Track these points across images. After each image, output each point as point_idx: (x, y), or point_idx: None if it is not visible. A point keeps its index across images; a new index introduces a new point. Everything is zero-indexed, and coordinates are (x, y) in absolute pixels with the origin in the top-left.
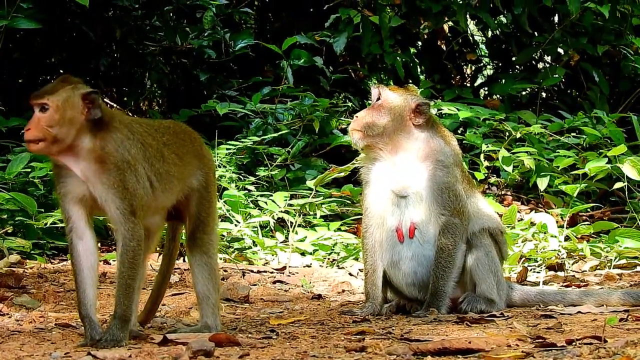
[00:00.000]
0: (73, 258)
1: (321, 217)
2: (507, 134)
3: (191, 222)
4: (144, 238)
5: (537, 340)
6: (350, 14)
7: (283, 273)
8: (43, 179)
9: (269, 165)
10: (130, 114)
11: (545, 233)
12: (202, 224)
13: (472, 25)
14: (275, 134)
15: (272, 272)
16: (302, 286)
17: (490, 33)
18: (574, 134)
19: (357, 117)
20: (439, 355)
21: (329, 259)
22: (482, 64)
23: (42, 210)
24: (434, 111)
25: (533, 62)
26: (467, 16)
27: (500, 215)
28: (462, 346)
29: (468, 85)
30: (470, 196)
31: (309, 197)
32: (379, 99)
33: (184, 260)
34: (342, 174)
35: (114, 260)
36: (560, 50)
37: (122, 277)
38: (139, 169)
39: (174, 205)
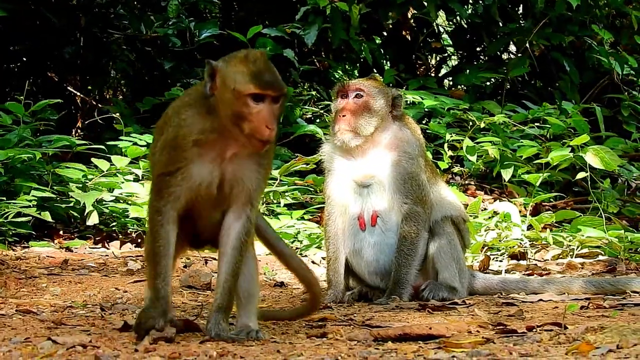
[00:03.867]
0: (164, 241)
1: (285, 205)
2: (471, 123)
3: None
4: None
5: (498, 327)
6: (320, 4)
7: None
8: (4, 162)
9: None
10: (94, 104)
11: (508, 222)
12: None
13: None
14: None
15: None
16: (264, 274)
17: (457, 22)
18: (538, 124)
19: (343, 116)
20: (399, 341)
21: (292, 247)
22: (446, 54)
23: (4, 198)
24: None
25: (498, 52)
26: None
27: (465, 206)
28: (422, 332)
29: (432, 75)
30: (433, 184)
31: (272, 185)
32: (360, 95)
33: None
34: (309, 167)
35: (77, 248)
36: (527, 41)
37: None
38: None
39: None
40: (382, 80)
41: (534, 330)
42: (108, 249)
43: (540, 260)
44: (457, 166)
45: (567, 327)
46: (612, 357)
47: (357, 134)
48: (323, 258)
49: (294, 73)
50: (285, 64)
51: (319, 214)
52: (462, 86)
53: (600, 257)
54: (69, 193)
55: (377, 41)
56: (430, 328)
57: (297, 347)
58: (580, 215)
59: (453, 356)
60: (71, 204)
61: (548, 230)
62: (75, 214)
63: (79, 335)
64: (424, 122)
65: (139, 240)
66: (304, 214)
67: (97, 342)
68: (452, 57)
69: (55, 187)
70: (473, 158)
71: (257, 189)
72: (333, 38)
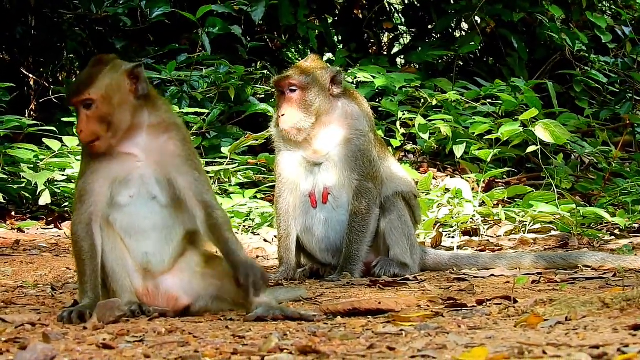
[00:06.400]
0: (90, 247)
1: (237, 184)
2: (423, 101)
3: None
4: None
5: (448, 302)
6: None
7: None
8: None
9: None
10: (47, 85)
11: (460, 198)
12: None
13: None
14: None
15: None
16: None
17: (408, 0)
18: (490, 101)
19: (283, 115)
20: (348, 316)
21: (244, 226)
22: (398, 32)
23: None
24: (349, 79)
25: (450, 30)
26: None
27: (416, 182)
28: (371, 307)
29: (385, 53)
30: (383, 160)
31: (223, 164)
32: (293, 90)
33: None
34: (258, 142)
35: (28, 229)
36: (477, 18)
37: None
38: None
39: None
40: (322, 61)
41: (484, 304)
42: (60, 229)
43: (492, 236)
44: (409, 144)
45: (516, 300)
46: (560, 329)
47: (299, 130)
48: (275, 236)
49: (241, 50)
50: (234, 41)
51: (272, 193)
52: (414, 64)
53: (553, 233)
54: (21, 174)
55: (329, 20)
56: (380, 303)
57: (246, 323)
58: (532, 191)
59: (401, 330)
60: (23, 185)
61: (500, 206)
62: (27, 195)
63: (29, 314)
64: (376, 100)
65: None
66: (257, 192)
67: (46, 320)
68: (404, 35)
69: (6, 168)
70: (425, 136)
71: (194, 176)
72: (281, 18)
